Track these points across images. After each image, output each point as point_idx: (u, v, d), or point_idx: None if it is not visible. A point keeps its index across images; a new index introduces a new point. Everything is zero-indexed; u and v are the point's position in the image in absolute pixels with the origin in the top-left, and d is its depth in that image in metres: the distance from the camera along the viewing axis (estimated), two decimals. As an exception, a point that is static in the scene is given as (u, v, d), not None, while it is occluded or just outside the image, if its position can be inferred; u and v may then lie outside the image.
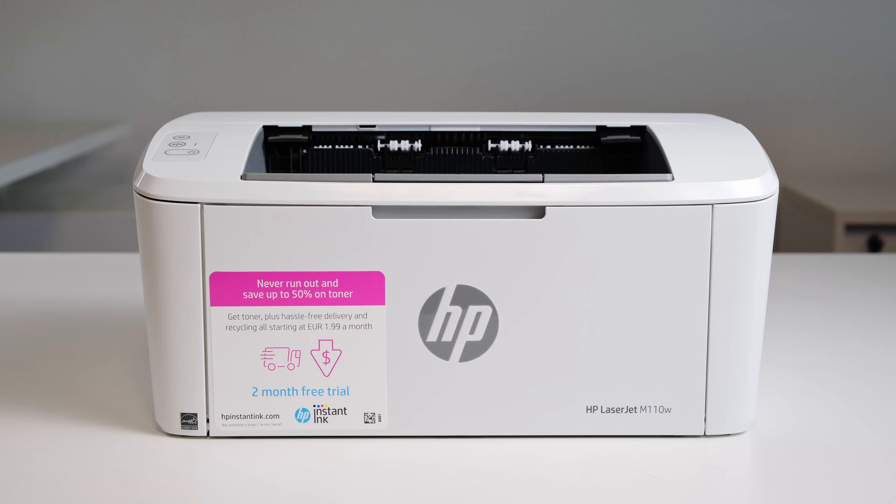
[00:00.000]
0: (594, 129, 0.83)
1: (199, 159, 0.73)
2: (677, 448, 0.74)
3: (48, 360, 0.91)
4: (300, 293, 0.72)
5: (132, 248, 1.86)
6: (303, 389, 0.74)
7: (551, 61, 3.12)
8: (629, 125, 0.82)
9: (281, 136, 0.81)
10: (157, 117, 3.03)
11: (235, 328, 0.73)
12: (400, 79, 3.14)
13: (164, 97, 3.16)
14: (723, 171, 0.73)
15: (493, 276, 0.72)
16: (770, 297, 0.76)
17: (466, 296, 0.72)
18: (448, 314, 0.73)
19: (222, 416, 0.74)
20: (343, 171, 0.83)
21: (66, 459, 0.72)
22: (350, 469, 0.71)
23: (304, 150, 0.82)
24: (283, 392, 0.74)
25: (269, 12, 3.12)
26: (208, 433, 0.74)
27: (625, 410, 0.74)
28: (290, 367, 0.73)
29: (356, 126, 0.83)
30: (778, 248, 2.58)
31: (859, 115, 3.14)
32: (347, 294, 0.72)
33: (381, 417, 0.74)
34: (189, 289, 0.72)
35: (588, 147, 0.84)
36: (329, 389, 0.74)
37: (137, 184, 0.72)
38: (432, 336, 0.73)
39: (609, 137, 0.82)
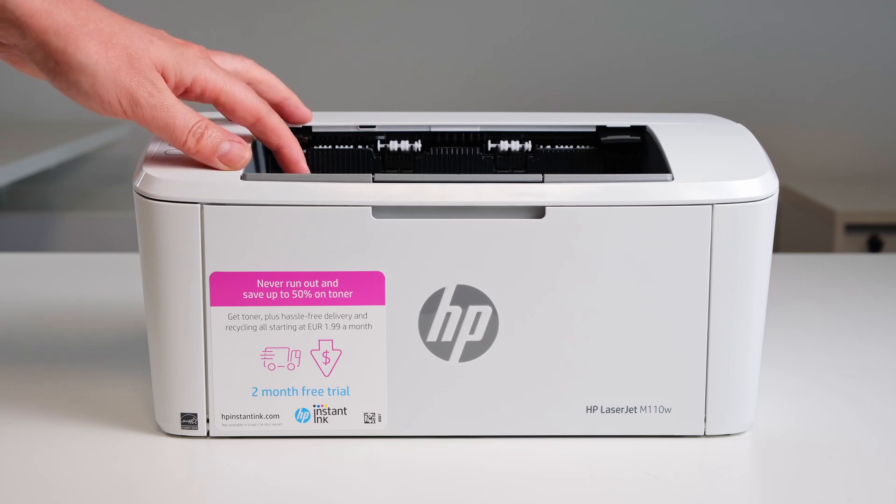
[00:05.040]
0: (594, 129, 0.83)
1: (199, 159, 0.73)
2: (677, 448, 0.74)
3: (48, 360, 0.91)
4: (300, 293, 0.72)
5: (132, 248, 1.86)
6: (303, 389, 0.74)
7: (551, 61, 3.12)
8: (629, 125, 0.82)
9: (281, 136, 0.81)
10: (157, 117, 3.02)
11: (235, 328, 0.73)
12: (400, 79, 3.14)
13: (164, 97, 3.15)
14: (723, 171, 0.73)
15: (493, 276, 0.72)
16: (770, 297, 0.76)
17: (466, 296, 0.72)
18: (448, 314, 0.73)
19: (222, 416, 0.74)
20: (343, 172, 0.83)
21: (66, 459, 0.72)
22: (350, 469, 0.71)
23: (305, 151, 0.82)
24: (283, 392, 0.74)
25: (270, 13, 3.11)
26: (208, 433, 0.74)
27: (625, 410, 0.74)
28: (290, 367, 0.73)
29: (356, 126, 0.83)
30: (778, 248, 2.58)
31: (859, 115, 3.13)
32: (347, 294, 0.72)
33: (381, 417, 0.74)
34: (189, 289, 0.72)
35: (588, 147, 0.84)
36: (329, 389, 0.74)
37: (137, 184, 0.72)
38: (432, 336, 0.73)
39: (609, 137, 0.82)
